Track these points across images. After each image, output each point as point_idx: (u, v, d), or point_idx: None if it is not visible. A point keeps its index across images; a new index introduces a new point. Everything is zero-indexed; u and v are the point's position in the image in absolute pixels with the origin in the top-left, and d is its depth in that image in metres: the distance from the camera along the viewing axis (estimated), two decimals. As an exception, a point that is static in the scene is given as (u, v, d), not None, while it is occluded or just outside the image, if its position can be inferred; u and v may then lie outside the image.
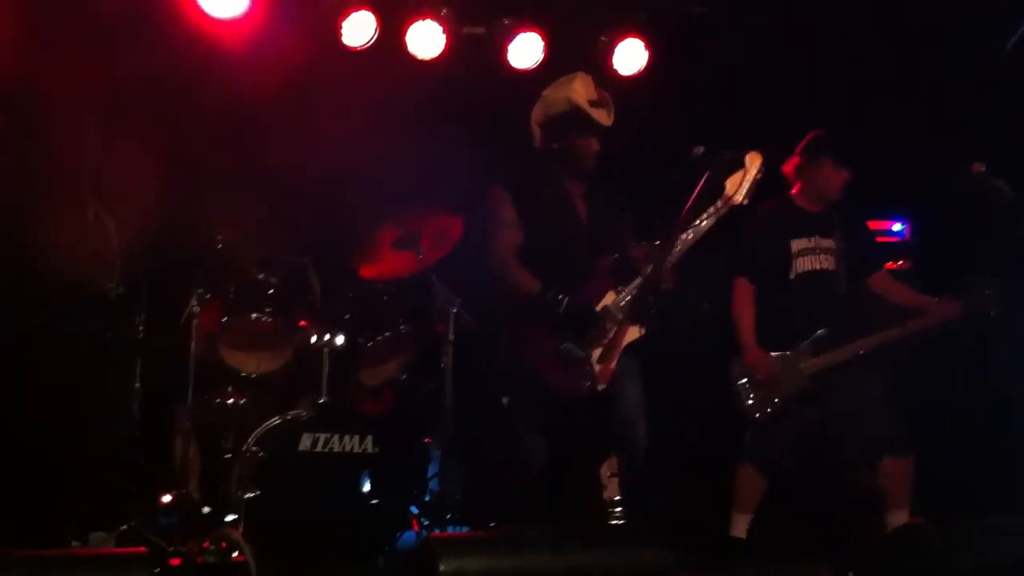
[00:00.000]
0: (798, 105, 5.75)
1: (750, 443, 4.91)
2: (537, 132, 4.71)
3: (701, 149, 4.52)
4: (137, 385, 4.76)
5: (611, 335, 4.44)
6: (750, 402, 4.85)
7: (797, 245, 4.93)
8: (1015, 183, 4.64)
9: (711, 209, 4.43)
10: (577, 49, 5.58)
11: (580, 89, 4.62)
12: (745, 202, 4.41)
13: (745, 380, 4.86)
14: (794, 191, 5.02)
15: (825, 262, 4.94)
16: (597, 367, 4.42)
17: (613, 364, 4.43)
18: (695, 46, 5.72)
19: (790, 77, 5.82)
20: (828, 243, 4.96)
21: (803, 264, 4.92)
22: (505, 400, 4.51)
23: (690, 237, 4.43)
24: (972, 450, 5.43)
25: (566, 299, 4.41)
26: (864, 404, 4.76)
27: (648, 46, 5.61)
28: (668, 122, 5.64)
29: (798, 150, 5.00)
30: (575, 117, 4.58)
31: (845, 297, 4.96)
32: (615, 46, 5.62)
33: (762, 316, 4.91)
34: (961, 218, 5.26)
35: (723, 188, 4.44)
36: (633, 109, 5.16)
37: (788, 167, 5.01)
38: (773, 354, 4.84)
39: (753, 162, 4.43)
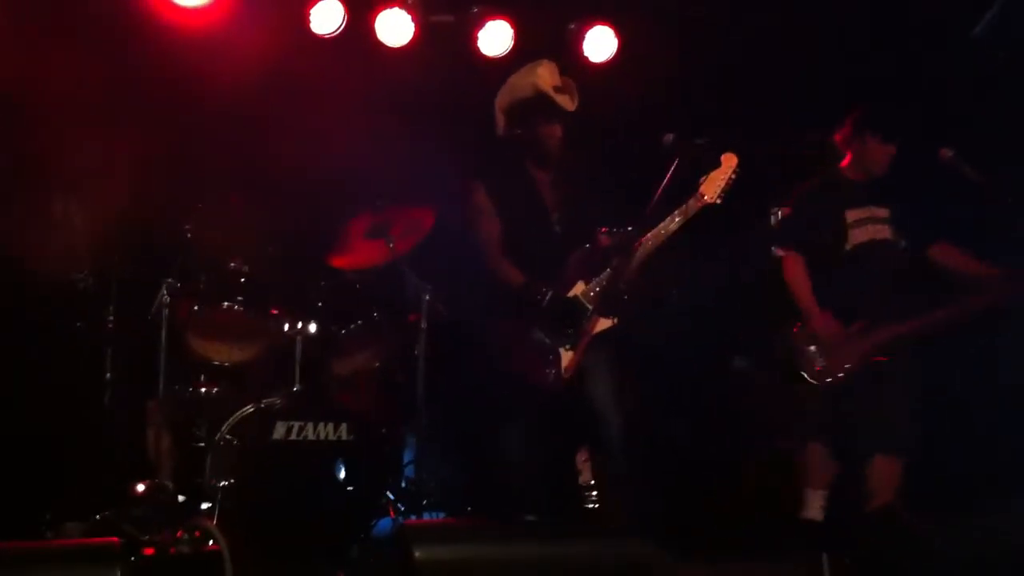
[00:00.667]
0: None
1: (815, 415, 4.75)
2: (501, 118, 4.73)
3: (671, 136, 4.54)
4: (108, 375, 4.74)
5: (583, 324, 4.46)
6: (819, 367, 4.68)
7: (852, 215, 4.79)
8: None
9: (683, 207, 4.45)
10: (547, 36, 5.60)
11: (545, 75, 4.65)
12: (719, 202, 4.44)
13: (812, 346, 4.69)
14: (844, 164, 4.91)
15: (881, 232, 4.80)
16: (564, 357, 4.44)
17: (579, 354, 4.45)
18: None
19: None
20: (883, 212, 4.81)
21: (859, 235, 4.79)
22: (487, 391, 4.51)
23: (662, 232, 4.45)
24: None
25: (550, 293, 4.42)
26: (880, 394, 4.63)
27: (618, 34, 5.63)
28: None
29: (848, 121, 4.90)
30: (540, 103, 4.61)
31: (904, 268, 4.82)
32: (585, 33, 5.65)
33: (817, 290, 4.77)
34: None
35: (697, 185, 4.47)
36: (625, 99, 5.20)
37: (839, 136, 4.92)
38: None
39: (729, 162, 4.46)
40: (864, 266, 4.76)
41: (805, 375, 4.70)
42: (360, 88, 5.50)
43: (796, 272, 4.81)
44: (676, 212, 4.48)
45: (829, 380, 4.66)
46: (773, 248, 4.92)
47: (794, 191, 4.97)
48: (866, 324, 4.67)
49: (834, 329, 4.68)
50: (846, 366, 4.65)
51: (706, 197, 4.47)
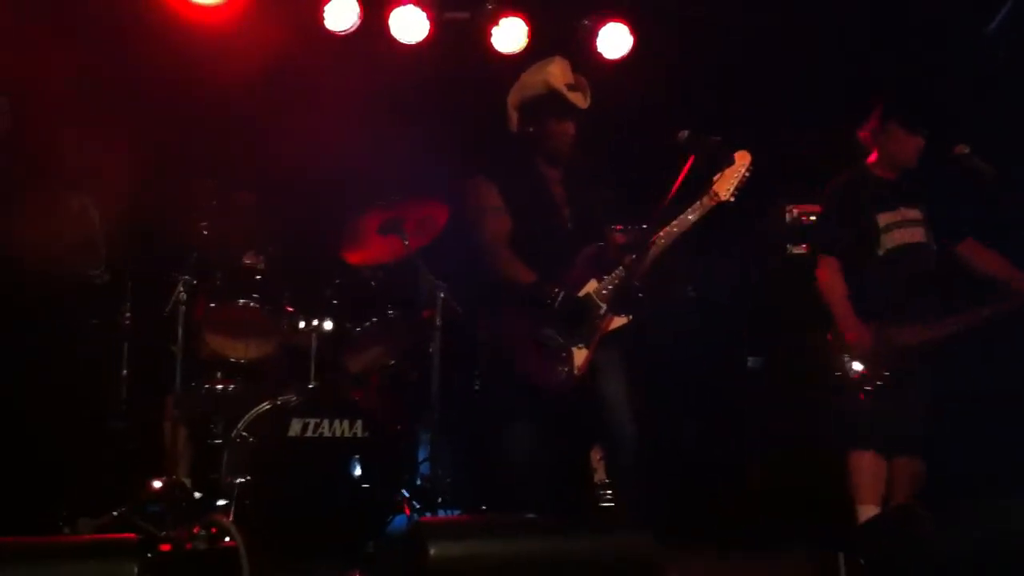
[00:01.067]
0: (798, 105, 5.73)
1: (861, 425, 4.57)
2: (514, 116, 4.71)
3: (686, 133, 4.52)
4: (125, 372, 4.77)
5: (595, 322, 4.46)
6: (857, 375, 4.53)
7: (884, 219, 4.66)
8: (1016, 184, 4.59)
9: (696, 204, 4.43)
10: (561, 33, 5.60)
11: (557, 72, 4.62)
12: (732, 200, 4.42)
13: (848, 354, 4.56)
14: (871, 160, 4.77)
15: (914, 235, 4.66)
16: (576, 355, 4.44)
17: (591, 352, 4.45)
18: (696, 43, 5.72)
19: (790, 77, 5.80)
20: (914, 213, 4.68)
21: (892, 239, 4.64)
22: (498, 390, 4.48)
23: (675, 230, 4.43)
24: (972, 448, 5.38)
25: (562, 293, 4.41)
26: (904, 397, 4.52)
27: (632, 31, 5.63)
28: (667, 118, 5.62)
29: (873, 114, 4.76)
30: (552, 100, 4.58)
31: (934, 271, 4.69)
32: (598, 30, 5.64)
33: (850, 295, 4.61)
34: (963, 218, 5.20)
35: (711, 183, 4.45)
36: (627, 98, 5.18)
37: (864, 132, 4.79)
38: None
39: (742, 160, 4.42)
40: (897, 270, 4.63)
41: (844, 384, 4.57)
42: (373, 85, 5.51)
43: (831, 277, 4.66)
44: (690, 210, 4.45)
45: (868, 388, 4.54)
46: (789, 246, 4.87)
47: (825, 190, 4.83)
48: (896, 326, 4.54)
49: (868, 340, 4.53)
50: (885, 373, 4.52)
51: (720, 195, 4.45)
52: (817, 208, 5.08)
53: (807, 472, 5.26)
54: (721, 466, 5.57)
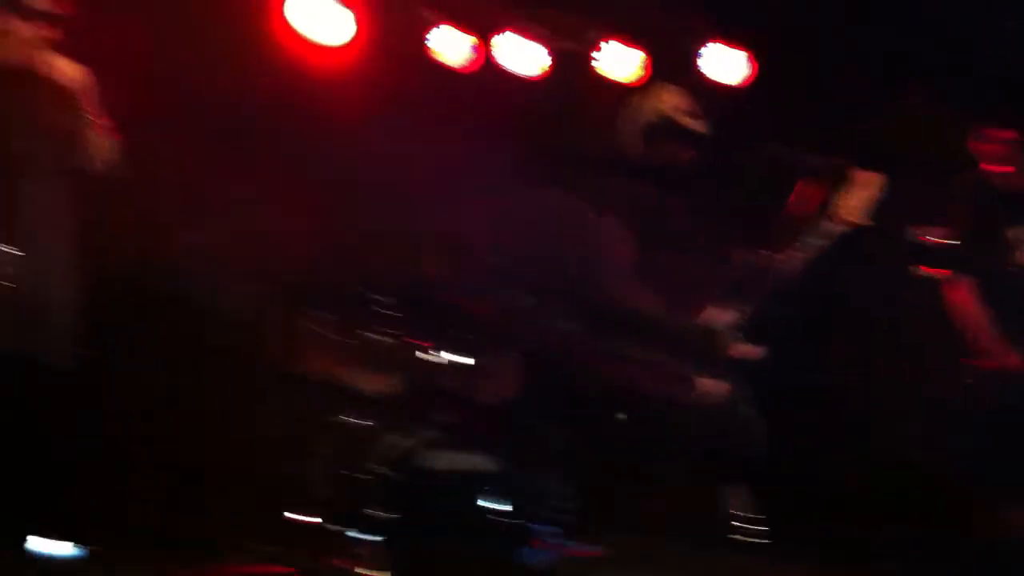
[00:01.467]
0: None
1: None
2: (627, 143, 4.75)
3: (803, 155, 4.52)
4: (262, 405, 4.90)
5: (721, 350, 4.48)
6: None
7: (1018, 233, 4.58)
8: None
9: (821, 227, 4.42)
10: (675, 60, 5.63)
11: (669, 98, 4.66)
12: (859, 221, 4.40)
13: (994, 382, 4.47)
14: (999, 168, 4.67)
15: None
16: (704, 384, 4.45)
17: (717, 380, 4.45)
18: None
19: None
20: None
21: None
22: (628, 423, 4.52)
23: (800, 254, 4.42)
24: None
25: (687, 322, 4.44)
26: None
27: (751, 56, 5.64)
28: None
29: (1008, 125, 4.68)
30: (666, 127, 4.62)
31: None
32: (713, 56, 5.66)
33: None
34: None
35: (835, 205, 4.43)
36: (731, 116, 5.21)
37: (997, 142, 4.67)
38: None
39: (868, 180, 4.41)
40: None
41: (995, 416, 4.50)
42: (488, 117, 5.58)
43: (970, 300, 4.54)
44: (814, 233, 4.45)
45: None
46: (921, 269, 4.78)
47: (949, 207, 4.76)
48: None
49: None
50: None
51: (847, 216, 4.43)
52: (942, 230, 4.99)
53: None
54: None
